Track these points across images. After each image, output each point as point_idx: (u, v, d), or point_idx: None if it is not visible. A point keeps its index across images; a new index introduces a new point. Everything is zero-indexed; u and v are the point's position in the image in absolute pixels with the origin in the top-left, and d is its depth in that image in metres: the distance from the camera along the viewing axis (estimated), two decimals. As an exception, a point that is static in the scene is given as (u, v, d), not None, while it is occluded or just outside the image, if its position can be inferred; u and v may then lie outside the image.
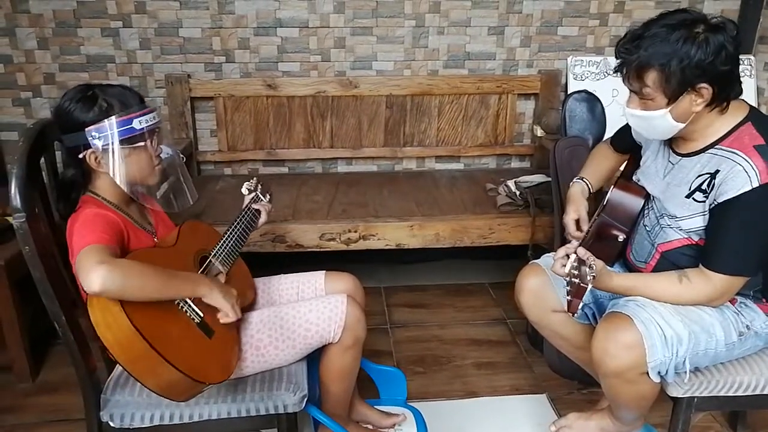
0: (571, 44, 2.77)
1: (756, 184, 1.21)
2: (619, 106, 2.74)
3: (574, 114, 2.23)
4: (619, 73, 1.30)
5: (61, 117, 1.26)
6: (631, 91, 1.31)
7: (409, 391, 1.97)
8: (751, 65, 2.69)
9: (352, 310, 1.45)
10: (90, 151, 1.25)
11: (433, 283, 2.77)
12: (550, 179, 2.22)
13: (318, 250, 2.23)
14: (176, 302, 1.23)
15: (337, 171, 2.87)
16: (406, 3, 2.63)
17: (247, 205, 1.63)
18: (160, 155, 1.36)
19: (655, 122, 1.30)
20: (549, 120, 2.58)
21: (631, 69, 1.25)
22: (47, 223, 1.28)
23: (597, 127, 2.24)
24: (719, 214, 1.27)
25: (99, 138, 1.23)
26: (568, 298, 1.21)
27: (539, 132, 2.67)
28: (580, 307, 1.21)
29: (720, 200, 1.26)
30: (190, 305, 1.25)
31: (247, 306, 1.50)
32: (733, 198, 1.23)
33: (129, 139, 1.26)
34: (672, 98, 1.24)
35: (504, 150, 2.86)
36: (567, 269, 1.21)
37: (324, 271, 1.66)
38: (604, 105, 2.30)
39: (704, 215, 1.31)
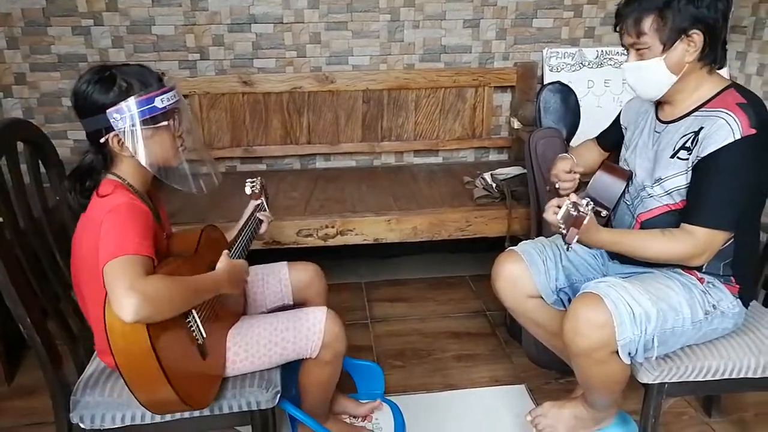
0: (546, 36, 2.78)
1: (738, 137, 1.26)
2: (594, 97, 2.76)
3: (548, 105, 2.24)
4: (618, 31, 1.39)
5: (79, 101, 1.21)
6: (629, 46, 1.38)
7: (389, 385, 1.98)
8: (727, 47, 2.71)
9: (331, 327, 1.43)
10: (113, 134, 1.21)
11: (414, 277, 2.78)
12: (525, 171, 2.23)
13: (295, 246, 2.22)
14: (187, 320, 1.21)
15: (316, 167, 2.86)
16: (381, -3, 2.62)
17: (252, 215, 1.62)
18: (182, 135, 1.31)
19: (651, 73, 1.35)
20: (525, 112, 2.59)
21: (630, 20, 1.33)
22: (11, 226, 1.26)
23: (571, 117, 2.24)
24: (701, 168, 1.31)
25: (121, 119, 1.18)
26: (564, 231, 1.24)
27: (516, 124, 2.68)
28: (575, 239, 1.23)
29: (703, 155, 1.30)
30: (198, 325, 1.23)
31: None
32: (715, 151, 1.27)
33: (152, 119, 1.21)
34: (667, 45, 1.31)
35: (482, 143, 2.87)
36: (562, 212, 1.24)
37: (286, 262, 1.66)
38: (578, 96, 2.31)
39: (687, 173, 1.35)
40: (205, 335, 1.24)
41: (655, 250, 1.34)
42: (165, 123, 1.24)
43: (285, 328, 1.41)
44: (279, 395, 1.38)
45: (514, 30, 2.76)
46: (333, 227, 2.21)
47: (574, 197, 1.29)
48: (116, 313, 1.04)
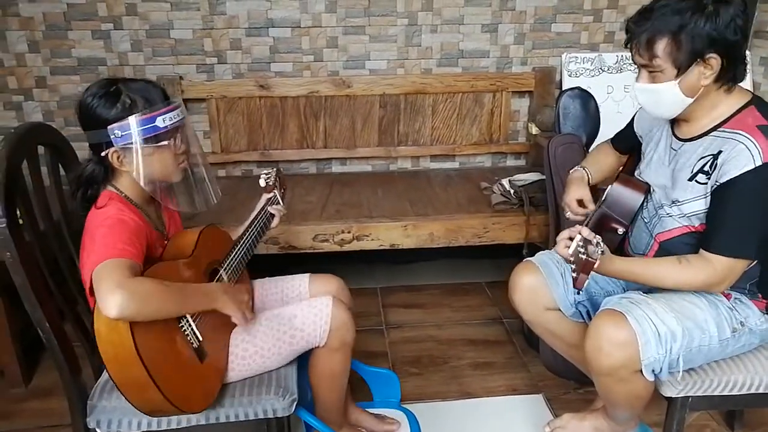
0: (565, 41, 2.75)
1: (759, 163, 1.21)
2: (614, 102, 2.73)
3: (568, 111, 2.21)
4: (629, 48, 1.31)
5: (83, 113, 1.23)
6: (640, 66, 1.31)
7: (405, 393, 1.96)
8: (747, 60, 2.67)
9: (337, 313, 1.42)
10: (113, 149, 1.22)
11: (430, 282, 2.76)
12: (544, 177, 2.21)
13: (311, 251, 2.21)
14: (180, 324, 1.21)
15: (332, 171, 2.86)
16: (398, 1, 2.61)
17: (263, 208, 1.59)
18: (185, 153, 1.31)
19: (664, 96, 1.29)
20: (544, 117, 2.57)
21: (641, 40, 1.26)
22: (31, 228, 1.26)
23: (591, 123, 2.22)
24: (720, 195, 1.26)
25: (122, 137, 1.20)
26: (574, 275, 1.20)
27: (534, 130, 2.65)
28: (586, 283, 1.19)
29: (722, 180, 1.24)
30: (192, 329, 1.23)
31: None
32: (735, 178, 1.22)
33: (152, 138, 1.22)
34: (681, 69, 1.24)
35: (499, 148, 2.84)
36: (572, 249, 1.19)
37: (308, 274, 1.64)
38: (598, 102, 2.28)
39: (706, 198, 1.30)
40: (201, 338, 1.24)
41: (673, 280, 1.30)
42: (165, 142, 1.25)
43: (293, 315, 1.41)
44: (296, 402, 1.36)
45: (533, 35, 2.73)
46: (349, 233, 2.20)
47: (584, 231, 1.23)
48: (102, 310, 1.06)
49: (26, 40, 2.52)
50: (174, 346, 1.20)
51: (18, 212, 1.23)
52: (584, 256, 1.17)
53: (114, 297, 1.04)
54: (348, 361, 1.51)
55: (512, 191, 2.35)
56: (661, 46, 1.24)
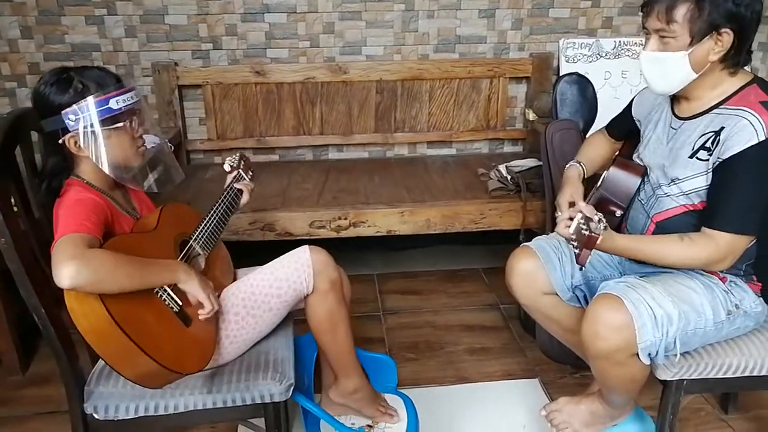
0: (562, 26, 2.74)
1: (762, 138, 1.21)
2: (612, 88, 2.72)
3: (565, 97, 2.20)
4: (644, 13, 1.31)
5: (38, 101, 1.23)
6: (653, 31, 1.30)
7: (401, 378, 1.97)
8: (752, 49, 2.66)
9: (317, 256, 1.46)
10: (69, 135, 1.22)
11: (426, 269, 2.76)
12: (541, 163, 2.20)
13: (308, 237, 2.21)
14: (155, 290, 1.22)
15: (328, 158, 2.85)
16: (395, -14, 2.59)
17: (229, 185, 1.60)
18: (143, 136, 1.32)
19: (671, 66, 1.29)
20: (541, 103, 2.55)
21: (662, 3, 1.25)
22: (25, 214, 1.26)
23: (588, 109, 2.21)
24: (723, 171, 1.26)
25: (76, 120, 1.20)
26: (576, 251, 1.20)
27: (531, 116, 2.64)
28: (589, 259, 1.20)
29: (724, 156, 1.25)
30: (169, 293, 1.24)
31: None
32: (738, 153, 1.22)
33: (107, 120, 1.23)
34: (696, 37, 1.24)
35: (496, 134, 2.83)
36: (574, 227, 1.20)
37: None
38: (595, 87, 2.27)
39: (707, 174, 1.30)
40: (181, 303, 1.25)
41: (675, 257, 1.30)
42: (121, 124, 1.26)
43: (274, 270, 1.44)
44: (293, 387, 1.37)
45: (530, 20, 2.71)
46: (346, 219, 2.20)
47: (586, 209, 1.24)
48: (57, 283, 1.06)
49: (19, 25, 2.50)
50: (152, 311, 1.19)
51: (12, 199, 1.22)
52: (587, 232, 1.18)
53: (67, 267, 1.05)
54: (342, 300, 1.53)
55: (509, 177, 2.35)
56: (682, 11, 1.23)
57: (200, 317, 1.27)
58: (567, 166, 1.67)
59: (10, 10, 2.46)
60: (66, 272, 1.05)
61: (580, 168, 1.64)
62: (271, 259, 1.66)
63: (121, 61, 2.59)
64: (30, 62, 2.56)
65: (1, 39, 2.51)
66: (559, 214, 1.54)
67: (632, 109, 1.61)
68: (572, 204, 1.55)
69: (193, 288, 1.26)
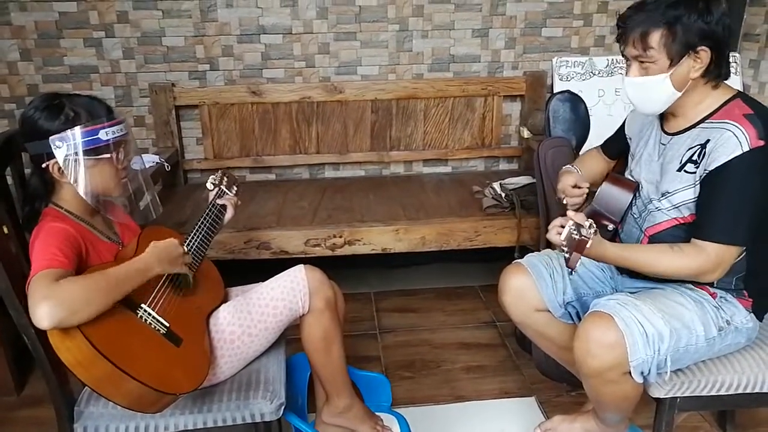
0: (555, 45, 2.77)
1: (746, 149, 1.23)
2: (605, 106, 2.74)
3: (558, 114, 2.22)
4: (620, 42, 1.34)
5: (26, 125, 1.24)
6: (632, 58, 1.33)
7: (397, 397, 1.96)
8: (736, 62, 2.68)
9: (312, 275, 1.48)
10: (53, 161, 1.23)
11: (423, 287, 2.76)
12: (534, 181, 2.21)
13: (303, 256, 2.21)
14: (138, 315, 1.22)
15: (325, 176, 2.86)
16: (389, 7, 2.63)
17: (211, 201, 1.60)
18: (127, 167, 1.34)
19: (655, 89, 1.32)
20: (535, 121, 2.57)
21: (636, 32, 1.28)
22: (15, 235, 1.26)
23: (581, 127, 2.22)
24: (710, 182, 1.28)
25: (62, 148, 1.21)
26: (567, 255, 1.21)
27: (526, 133, 2.66)
28: (578, 263, 1.21)
29: (710, 168, 1.27)
30: (153, 316, 1.23)
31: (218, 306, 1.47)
32: (723, 164, 1.24)
33: (94, 150, 1.24)
34: (674, 59, 1.27)
35: (491, 152, 2.85)
36: (565, 233, 1.21)
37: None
38: (589, 105, 2.29)
39: (695, 186, 1.32)
40: (168, 324, 1.25)
41: (665, 266, 1.31)
42: (107, 156, 1.27)
43: (270, 288, 1.45)
44: (283, 407, 1.36)
45: (524, 39, 2.75)
46: (341, 237, 2.21)
47: (577, 217, 1.26)
48: (36, 324, 1.06)
49: (18, 48, 2.53)
50: (137, 335, 1.19)
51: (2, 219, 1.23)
52: (577, 236, 1.19)
53: (40, 309, 1.05)
54: (336, 318, 1.53)
55: (503, 195, 2.35)
56: (656, 36, 1.27)
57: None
58: (562, 170, 1.68)
59: (10, 33, 2.50)
60: (40, 313, 1.05)
61: (575, 169, 1.65)
62: (265, 279, 1.67)
63: (119, 82, 2.62)
64: (29, 84, 2.59)
65: (1, 62, 2.54)
66: (565, 199, 1.55)
67: (625, 127, 1.63)
68: (575, 187, 1.56)
69: (171, 269, 1.28)
